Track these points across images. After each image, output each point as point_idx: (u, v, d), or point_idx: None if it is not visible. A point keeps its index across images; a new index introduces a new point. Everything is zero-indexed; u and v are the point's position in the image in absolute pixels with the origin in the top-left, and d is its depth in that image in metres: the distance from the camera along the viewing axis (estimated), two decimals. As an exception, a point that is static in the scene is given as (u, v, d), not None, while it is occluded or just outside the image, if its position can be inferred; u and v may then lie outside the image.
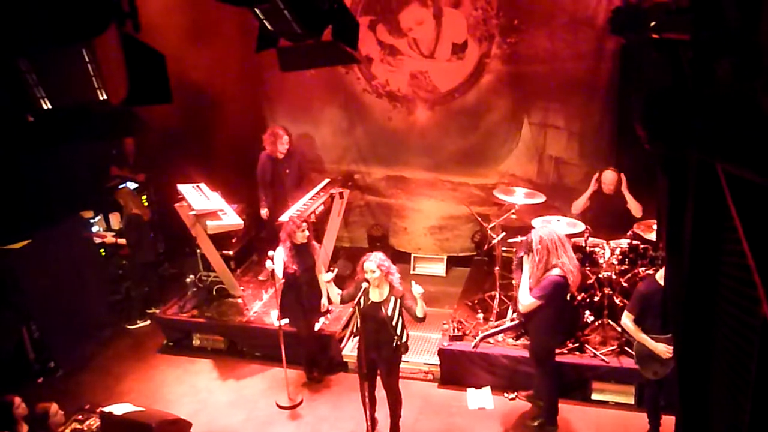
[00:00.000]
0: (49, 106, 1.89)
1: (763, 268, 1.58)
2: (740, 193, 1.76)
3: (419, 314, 5.68)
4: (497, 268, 7.39)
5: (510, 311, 7.15)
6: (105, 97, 1.92)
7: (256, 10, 2.91)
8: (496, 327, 7.01)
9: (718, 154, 1.93)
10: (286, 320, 6.78)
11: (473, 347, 6.77)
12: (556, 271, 5.74)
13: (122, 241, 8.34)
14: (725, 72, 2.11)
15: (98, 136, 2.20)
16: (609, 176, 7.36)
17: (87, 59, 1.84)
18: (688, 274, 2.78)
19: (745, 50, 1.83)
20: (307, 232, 6.64)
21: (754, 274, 1.62)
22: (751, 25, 1.78)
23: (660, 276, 5.62)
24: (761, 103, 1.67)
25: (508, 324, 6.99)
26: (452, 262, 9.17)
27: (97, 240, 8.43)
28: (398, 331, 5.75)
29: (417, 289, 5.60)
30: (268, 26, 3.08)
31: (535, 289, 5.80)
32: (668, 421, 5.83)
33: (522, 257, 6.04)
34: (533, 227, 6.68)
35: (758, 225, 1.69)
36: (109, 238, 8.33)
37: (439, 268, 9.16)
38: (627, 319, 5.81)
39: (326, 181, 8.60)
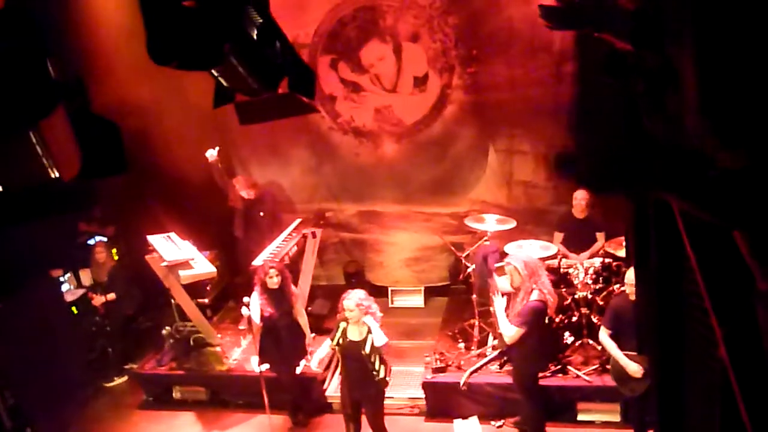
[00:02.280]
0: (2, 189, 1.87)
1: (720, 313, 1.60)
2: (692, 227, 1.78)
3: (375, 342, 5.65)
4: (474, 295, 7.40)
5: (491, 337, 7.15)
6: (57, 174, 1.90)
7: (211, 70, 2.92)
8: (480, 361, 6.96)
9: (670, 189, 1.97)
10: (267, 365, 6.70)
11: (462, 386, 6.71)
12: (535, 296, 5.77)
13: (111, 296, 8.18)
14: (673, 107, 2.15)
15: (56, 213, 2.17)
16: (580, 195, 7.43)
17: (34, 140, 1.82)
18: (656, 301, 2.81)
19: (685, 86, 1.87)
20: (276, 279, 6.57)
21: (711, 318, 1.63)
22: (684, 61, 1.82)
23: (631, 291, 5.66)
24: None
25: (491, 356, 6.96)
26: (430, 292, 9.16)
27: (71, 298, 8.28)
28: (377, 367, 5.71)
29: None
30: (224, 83, 3.08)
31: (516, 317, 5.81)
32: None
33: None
34: (507, 253, 6.74)
35: (713, 269, 1.72)
36: (98, 298, 8.17)
37: (417, 300, 9.14)
38: (604, 334, 5.86)
39: (297, 221, 8.58)
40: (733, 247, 1.50)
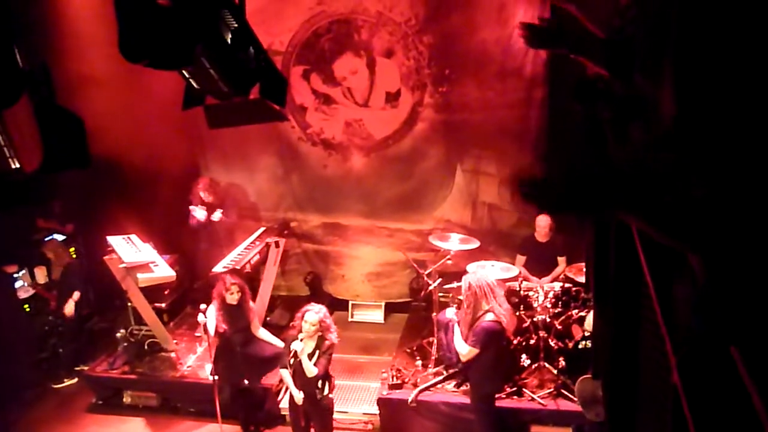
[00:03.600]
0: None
1: (674, 340, 1.63)
2: (650, 252, 1.82)
3: (307, 374, 5.65)
4: (435, 313, 7.40)
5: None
6: (17, 165, 1.86)
7: (182, 70, 2.90)
8: (433, 379, 6.95)
9: (630, 214, 2.00)
10: (217, 377, 6.60)
11: (410, 402, 6.69)
12: (489, 317, 5.80)
13: (76, 295, 7.99)
14: (638, 134, 2.20)
15: (12, 205, 2.12)
16: (542, 221, 7.52)
17: (-3, 130, 1.79)
18: (613, 321, 2.85)
19: (652, 115, 1.92)
20: (236, 295, 6.50)
21: (666, 344, 1.66)
22: (656, 92, 1.87)
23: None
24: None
25: (445, 375, 6.96)
26: (390, 308, 9.15)
27: (24, 295, 8.08)
28: (320, 385, 5.71)
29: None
30: (195, 85, 3.06)
31: (470, 337, 5.84)
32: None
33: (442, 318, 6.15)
34: (467, 272, 6.77)
35: (669, 294, 1.75)
36: (49, 292, 7.98)
37: (377, 315, 9.12)
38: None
39: (262, 229, 8.52)
40: (689, 271, 1.54)
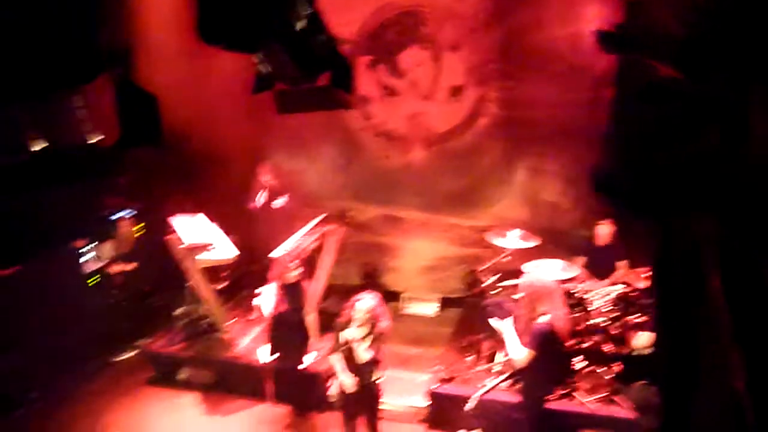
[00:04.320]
0: (41, 148, 1.90)
1: (743, 344, 1.58)
2: (720, 256, 1.76)
3: (362, 356, 5.67)
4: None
5: (499, 354, 7.09)
6: (95, 139, 1.93)
7: (255, 55, 2.95)
8: (489, 384, 6.87)
9: (702, 217, 1.95)
10: (273, 357, 6.71)
11: (467, 410, 6.65)
12: (543, 319, 5.72)
13: (130, 266, 8.25)
14: (713, 136, 2.14)
15: (88, 177, 2.20)
16: (603, 230, 7.38)
17: (78, 103, 1.85)
18: (675, 330, 2.78)
19: (734, 118, 1.86)
20: (296, 272, 6.60)
21: (733, 349, 1.62)
22: (740, 99, 1.81)
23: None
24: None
25: (500, 379, 6.89)
26: (443, 302, 9.13)
27: (95, 267, 8.35)
28: (370, 371, 5.72)
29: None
30: (266, 69, 3.11)
31: (526, 339, 5.77)
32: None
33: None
34: (524, 272, 6.69)
35: (740, 300, 1.70)
36: (115, 267, 8.25)
37: (430, 309, 9.11)
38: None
39: (320, 217, 8.59)
40: (763, 277, 1.49)
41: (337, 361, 5.84)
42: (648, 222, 3.08)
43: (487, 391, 6.75)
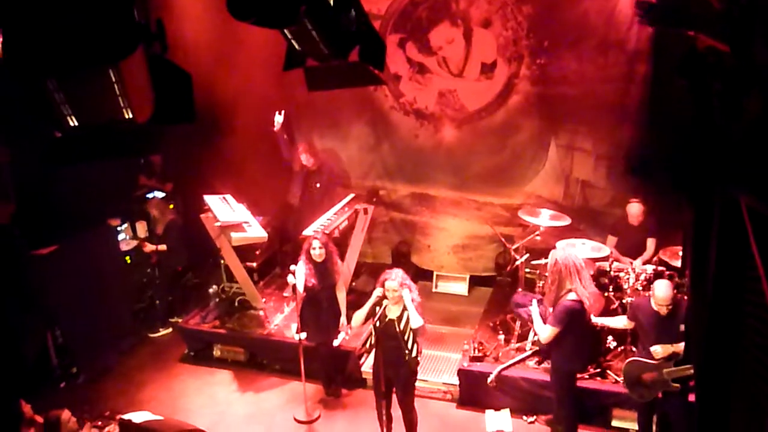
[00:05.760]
0: (75, 124, 1.93)
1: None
2: (762, 231, 1.73)
3: (412, 324, 5.66)
4: (520, 289, 7.34)
5: (531, 333, 7.08)
6: (130, 115, 1.96)
7: (285, 31, 2.95)
8: (514, 358, 6.90)
9: (743, 189, 1.91)
10: (305, 334, 6.78)
11: (490, 382, 6.68)
12: (570, 296, 5.70)
13: (163, 247, 8.40)
14: (754, 107, 2.09)
15: (123, 154, 2.23)
16: (634, 209, 7.30)
17: (113, 79, 1.87)
18: (710, 306, 2.74)
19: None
20: (320, 251, 6.63)
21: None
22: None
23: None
24: None
25: (526, 353, 6.91)
26: (475, 281, 9.12)
27: (128, 247, 8.50)
28: (409, 346, 5.73)
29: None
30: (296, 46, 3.11)
31: (551, 316, 5.76)
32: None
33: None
34: (554, 249, 6.64)
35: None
36: (149, 246, 8.40)
37: (461, 288, 9.12)
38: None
39: (351, 196, 8.62)
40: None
41: (371, 338, 5.85)
42: (683, 198, 3.03)
43: (509, 366, 6.77)
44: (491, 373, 6.72)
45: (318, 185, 8.56)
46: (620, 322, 6.16)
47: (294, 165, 8.55)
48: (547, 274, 6.01)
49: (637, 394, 5.80)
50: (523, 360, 6.87)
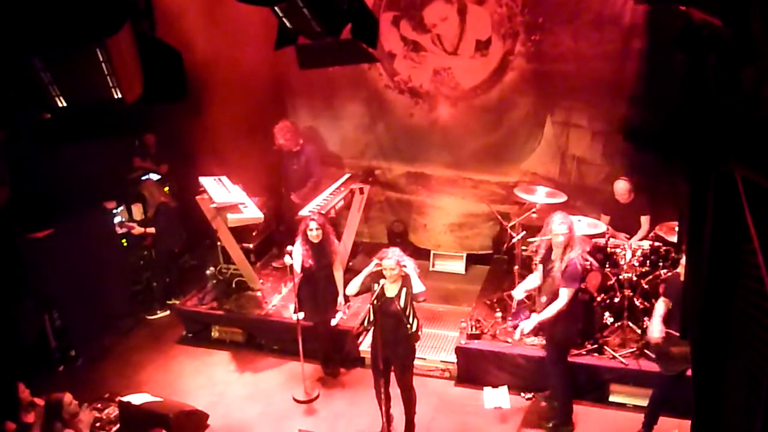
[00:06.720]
0: (64, 104, 1.91)
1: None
2: (758, 203, 1.72)
3: (415, 290, 5.69)
4: (516, 267, 7.36)
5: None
6: (120, 95, 1.93)
7: (276, 9, 2.91)
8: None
9: (739, 162, 1.90)
10: (302, 314, 6.79)
11: (518, 339, 6.53)
12: (575, 253, 5.76)
13: (151, 230, 8.39)
14: (750, 80, 2.07)
15: (113, 134, 2.21)
16: (620, 186, 7.29)
17: (101, 58, 1.85)
18: (706, 280, 2.74)
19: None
20: (316, 232, 6.62)
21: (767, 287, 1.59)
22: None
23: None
24: None
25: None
26: (472, 259, 9.13)
27: (121, 230, 8.49)
28: (410, 320, 5.75)
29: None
30: (288, 24, 3.08)
31: (562, 280, 5.76)
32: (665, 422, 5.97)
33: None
34: (550, 225, 6.60)
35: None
36: (138, 228, 8.39)
37: (458, 266, 9.13)
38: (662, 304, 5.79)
39: (346, 176, 8.60)
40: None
41: (369, 316, 5.85)
42: (677, 172, 3.02)
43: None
44: (489, 350, 6.76)
45: (295, 168, 8.45)
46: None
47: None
48: (561, 239, 5.90)
49: (665, 365, 5.81)
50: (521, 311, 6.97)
